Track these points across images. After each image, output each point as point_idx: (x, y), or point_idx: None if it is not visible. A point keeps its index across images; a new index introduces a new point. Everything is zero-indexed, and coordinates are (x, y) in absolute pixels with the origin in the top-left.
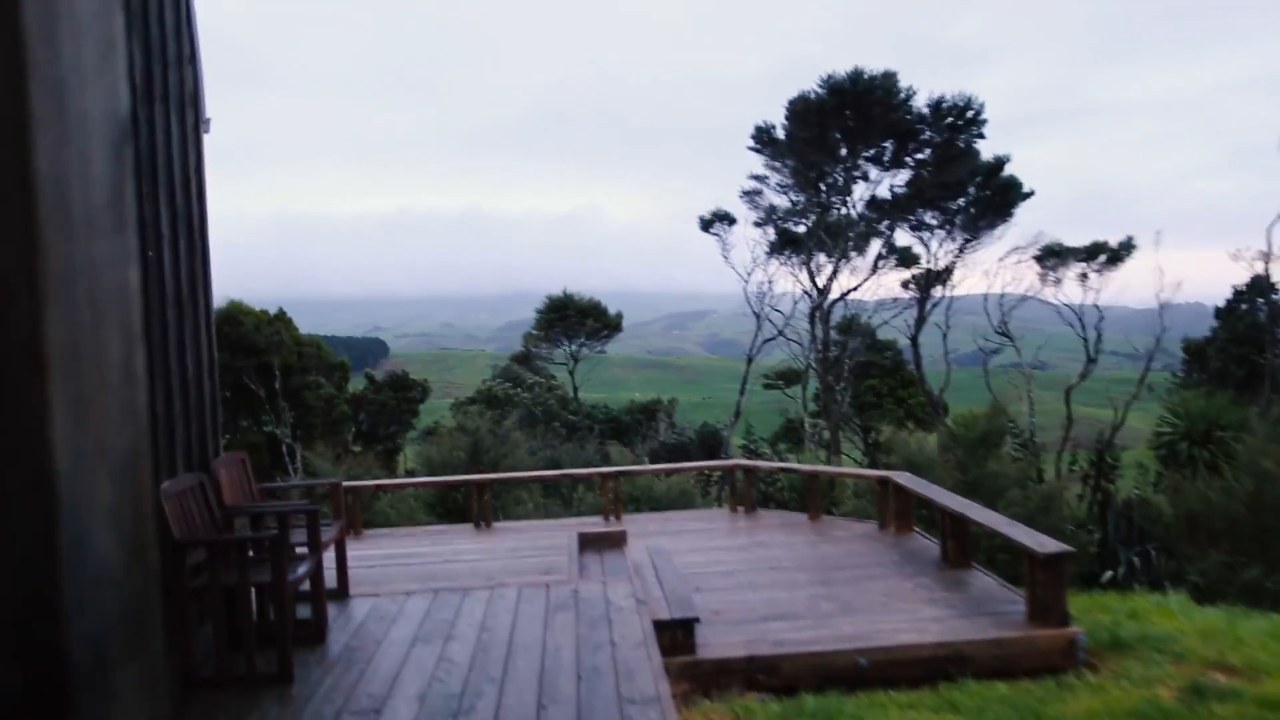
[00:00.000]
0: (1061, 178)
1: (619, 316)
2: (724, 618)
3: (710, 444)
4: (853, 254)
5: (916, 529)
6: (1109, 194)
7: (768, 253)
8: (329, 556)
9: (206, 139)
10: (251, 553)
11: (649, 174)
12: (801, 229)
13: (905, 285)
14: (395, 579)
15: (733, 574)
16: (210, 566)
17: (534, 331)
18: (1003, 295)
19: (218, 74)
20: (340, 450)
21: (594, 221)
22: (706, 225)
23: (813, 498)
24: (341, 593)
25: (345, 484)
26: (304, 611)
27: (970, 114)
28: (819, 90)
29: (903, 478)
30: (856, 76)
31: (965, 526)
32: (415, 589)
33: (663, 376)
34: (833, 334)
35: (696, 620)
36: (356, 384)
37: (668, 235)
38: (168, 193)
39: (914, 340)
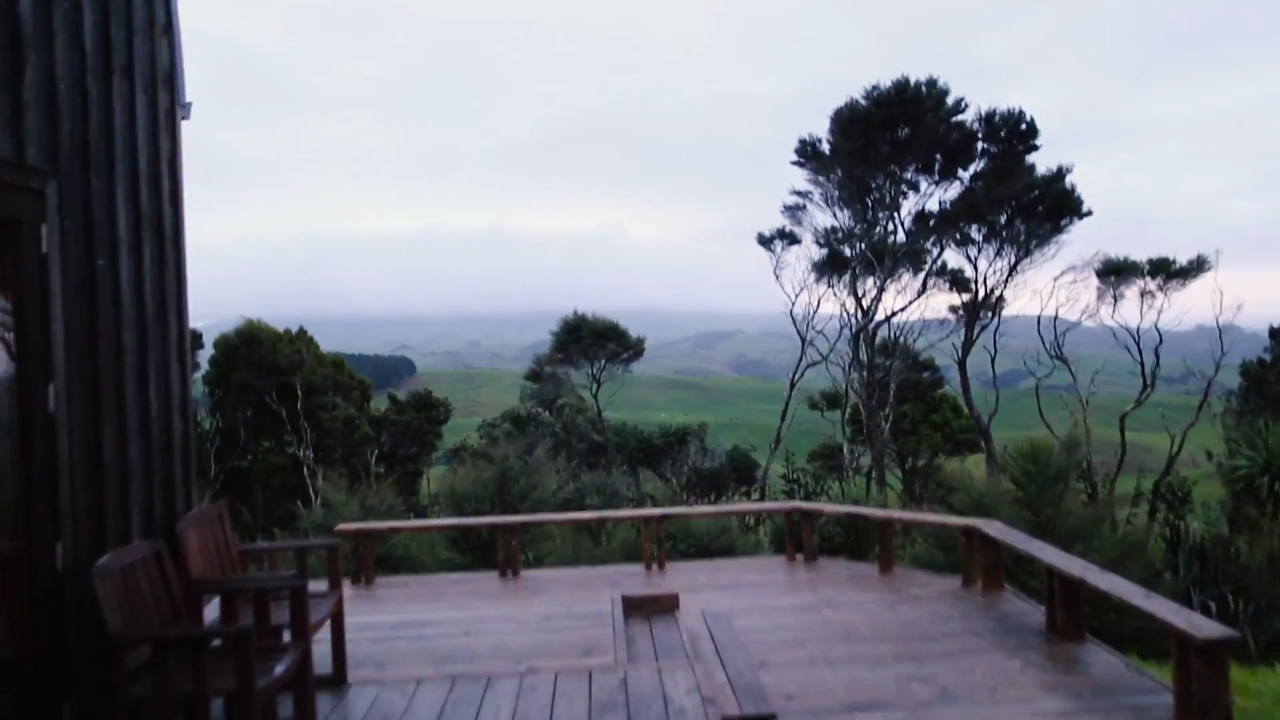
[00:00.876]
0: (1090, 200)
1: (640, 340)
2: (800, 705)
3: (743, 468)
4: (900, 273)
5: (1008, 587)
6: (1141, 216)
7: (813, 273)
8: (323, 634)
9: (191, 131)
10: (219, 642)
11: (672, 194)
12: (845, 247)
13: (953, 307)
14: (405, 657)
15: (802, 643)
16: (157, 669)
17: (548, 353)
18: (1056, 317)
19: (246, 92)
20: (361, 473)
21: (618, 241)
22: (766, 242)
23: (885, 549)
24: (338, 679)
25: (356, 527)
26: (286, 710)
27: (1024, 126)
28: (863, 101)
29: (993, 528)
30: (902, 86)
31: (1079, 592)
32: (429, 674)
33: (690, 397)
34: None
35: (773, 718)
36: (381, 403)
37: (692, 255)
38: (129, 188)
39: (961, 364)
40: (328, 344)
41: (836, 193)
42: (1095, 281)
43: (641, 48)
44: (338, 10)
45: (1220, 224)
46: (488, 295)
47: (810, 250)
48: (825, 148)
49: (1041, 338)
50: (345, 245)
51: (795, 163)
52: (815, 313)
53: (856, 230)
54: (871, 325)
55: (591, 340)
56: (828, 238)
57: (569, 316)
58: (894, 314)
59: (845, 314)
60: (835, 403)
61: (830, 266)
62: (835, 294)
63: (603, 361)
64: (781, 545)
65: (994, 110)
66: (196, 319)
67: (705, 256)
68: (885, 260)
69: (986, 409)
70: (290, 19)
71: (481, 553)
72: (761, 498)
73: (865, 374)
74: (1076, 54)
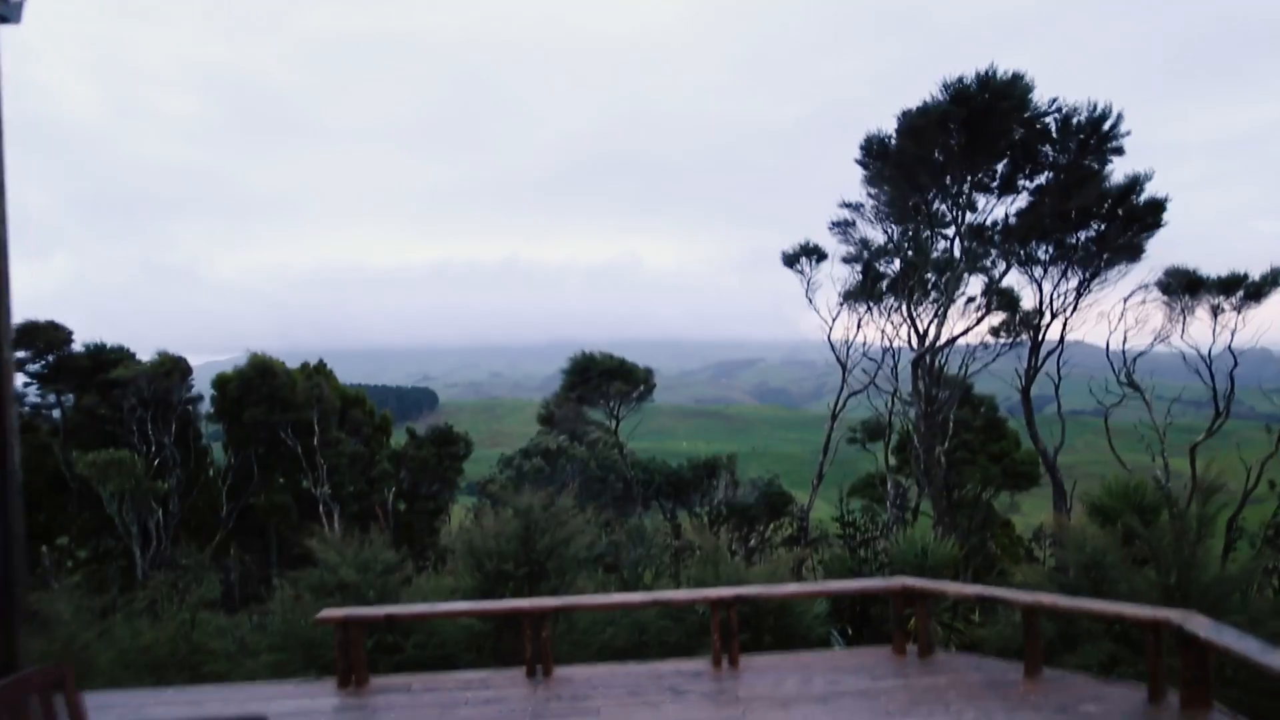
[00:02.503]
0: None
1: (649, 373)
2: None
3: (775, 504)
4: (958, 295)
5: (1219, 707)
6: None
7: (855, 294)
8: None
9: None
10: None
11: (687, 223)
12: (893, 267)
13: (1010, 329)
14: None
15: None
16: None
17: (558, 392)
18: (1125, 341)
19: (260, 126)
20: (378, 513)
21: (633, 270)
22: (791, 260)
23: (1031, 645)
24: None
25: (344, 614)
26: None
27: (1106, 127)
28: (939, 96)
29: (1200, 625)
30: (986, 79)
31: None
32: None
33: (711, 425)
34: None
35: None
36: (402, 437)
37: (709, 283)
38: None
39: (1025, 393)
40: (350, 376)
41: (887, 207)
42: (1162, 298)
43: (654, 77)
44: (349, 44)
45: (1245, 245)
46: (507, 326)
47: (849, 269)
48: (892, 145)
49: (1111, 362)
50: (363, 278)
51: (860, 161)
52: (856, 338)
53: (908, 247)
54: (929, 352)
55: (600, 380)
56: (875, 255)
57: (576, 356)
58: (954, 339)
59: (886, 339)
60: (877, 434)
61: (875, 287)
62: (879, 317)
63: (613, 401)
64: (843, 612)
65: (1073, 109)
66: (219, 352)
67: (722, 285)
68: (946, 281)
69: (1050, 441)
70: (302, 53)
71: (506, 619)
72: (803, 540)
73: (923, 405)
74: (1092, 77)
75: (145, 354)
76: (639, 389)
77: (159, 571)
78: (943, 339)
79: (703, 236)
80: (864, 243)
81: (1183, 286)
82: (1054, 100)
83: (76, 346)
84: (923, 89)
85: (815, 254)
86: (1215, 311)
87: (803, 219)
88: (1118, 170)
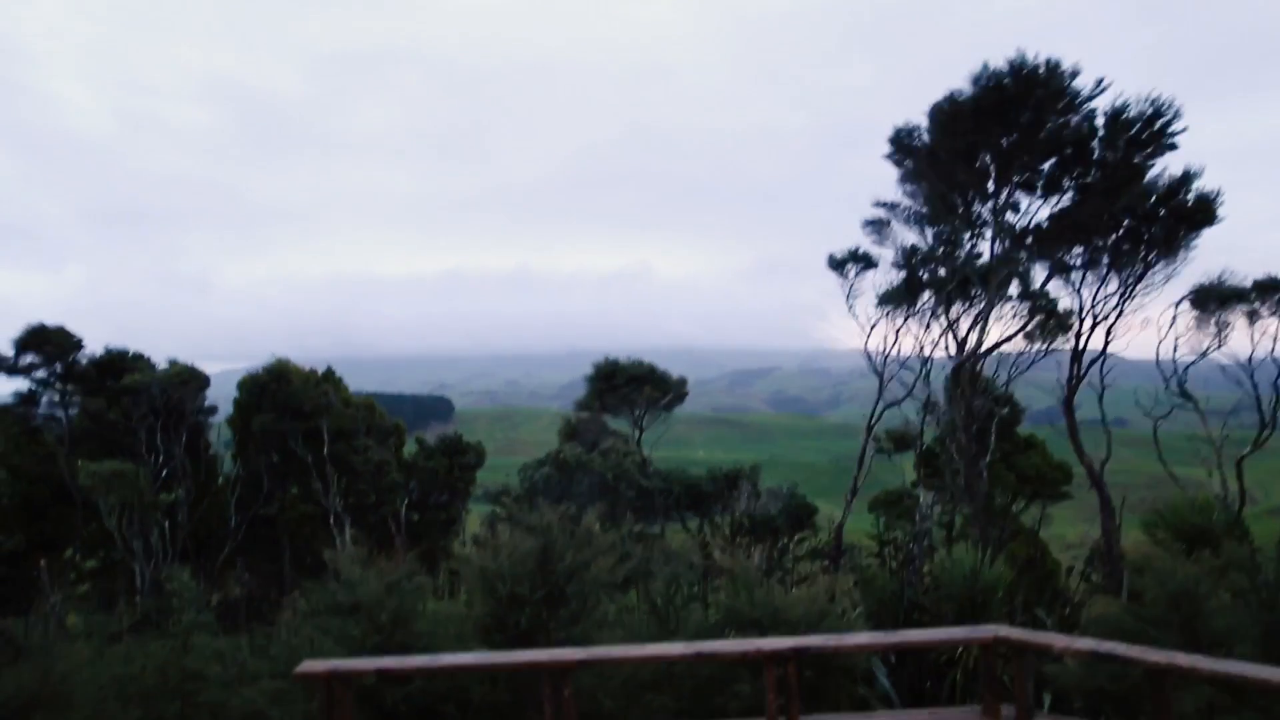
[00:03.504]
0: None
1: (682, 381)
2: None
3: (799, 515)
4: (1000, 301)
5: None
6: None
7: (895, 299)
8: None
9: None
10: None
11: (698, 232)
12: (926, 271)
13: (1046, 335)
14: None
15: None
16: None
17: (583, 399)
18: (1175, 348)
19: (270, 138)
20: (390, 524)
21: (645, 279)
22: (838, 265)
23: (1164, 714)
24: None
25: (327, 668)
26: None
27: (1160, 123)
28: (970, 89)
29: None
30: (1018, 67)
31: None
32: None
33: (728, 434)
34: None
35: None
36: (412, 448)
37: (721, 292)
38: None
39: (1067, 404)
40: (365, 384)
41: (923, 206)
42: (1192, 312)
43: (662, 85)
44: (357, 55)
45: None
46: (520, 335)
47: (888, 274)
48: (923, 140)
49: (1161, 371)
50: (374, 287)
51: (890, 156)
52: (893, 346)
53: (941, 251)
54: (970, 360)
55: (629, 387)
56: (908, 259)
57: (601, 362)
58: (997, 345)
59: (920, 346)
60: (902, 444)
61: (912, 293)
62: (916, 324)
63: (643, 407)
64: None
65: (1124, 104)
66: (233, 360)
67: (735, 294)
68: (989, 286)
69: (1092, 453)
70: (310, 65)
71: (521, 648)
72: (836, 558)
73: (965, 416)
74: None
75: (160, 362)
76: (667, 396)
77: (159, 588)
78: (983, 346)
79: (713, 245)
80: (900, 245)
81: (1215, 300)
82: (1099, 83)
83: (93, 351)
84: (935, 94)
85: (864, 261)
86: (1252, 318)
87: (814, 227)
88: (1154, 166)
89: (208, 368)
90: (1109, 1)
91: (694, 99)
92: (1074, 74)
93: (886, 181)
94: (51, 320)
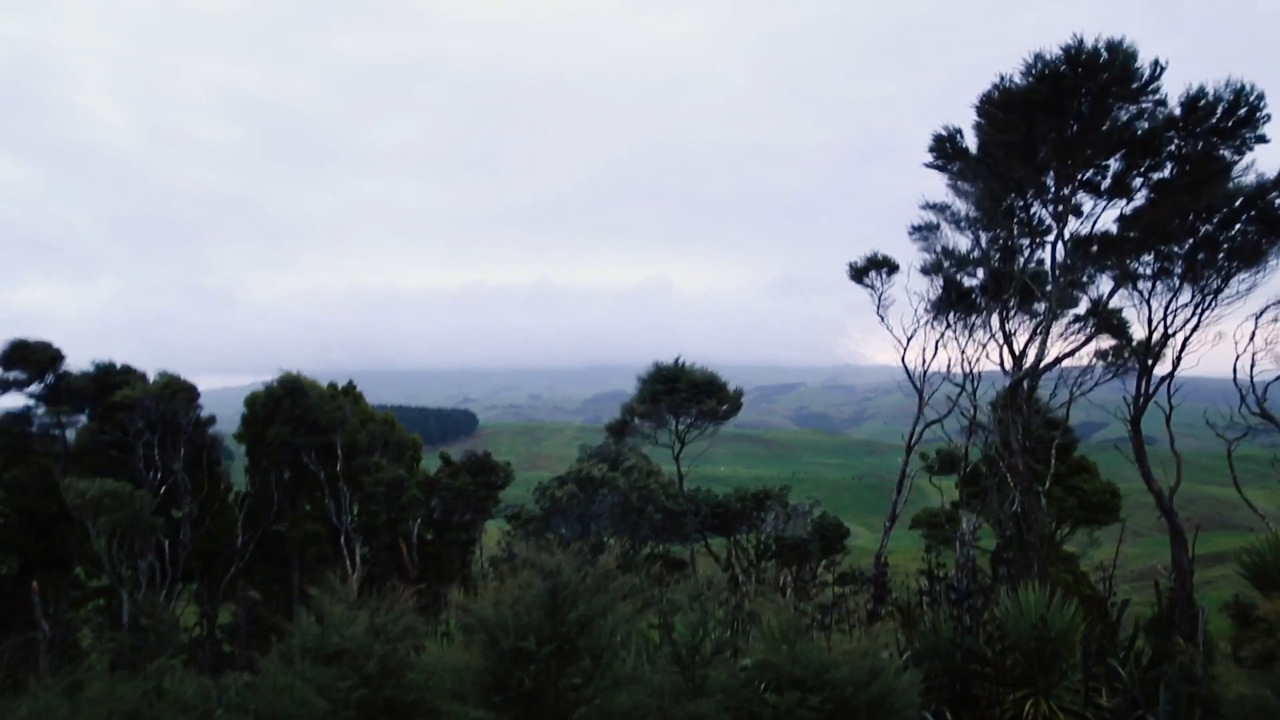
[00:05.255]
0: None
1: (739, 394)
2: None
3: (829, 537)
4: (1064, 313)
5: None
6: None
7: (939, 309)
8: None
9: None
10: None
11: (717, 247)
12: (977, 279)
13: (1118, 353)
14: None
15: None
16: None
17: (637, 404)
18: (1254, 364)
19: (294, 152)
20: (403, 545)
21: (665, 294)
22: (859, 274)
23: None
24: None
25: None
26: None
27: (1244, 110)
28: (1023, 78)
29: None
30: (1076, 51)
31: None
32: None
33: (752, 450)
34: (993, 413)
35: None
36: (434, 462)
37: (742, 308)
38: None
39: (1135, 424)
40: (390, 398)
41: (976, 207)
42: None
43: (682, 100)
44: (379, 70)
45: None
46: (543, 349)
47: (929, 282)
48: (970, 143)
49: (1239, 389)
50: (396, 301)
51: (931, 165)
52: (933, 360)
53: (996, 258)
54: (1029, 376)
55: (689, 394)
56: (959, 265)
57: (664, 364)
58: (1059, 360)
59: (968, 362)
60: (950, 464)
61: (963, 302)
62: (962, 336)
63: (691, 418)
64: (938, 689)
65: (1201, 90)
66: (256, 374)
67: (756, 309)
68: (1051, 296)
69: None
70: (334, 80)
71: (526, 710)
72: (881, 598)
73: (1022, 437)
74: None
75: (193, 376)
76: (725, 409)
77: (136, 620)
78: (1043, 362)
79: (733, 260)
80: (946, 251)
81: None
82: (1157, 65)
83: (86, 367)
84: (960, 112)
85: (886, 266)
86: None
87: (836, 242)
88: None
89: (232, 381)
90: (1132, 14)
91: (714, 114)
92: (1135, 55)
93: (913, 195)
94: (85, 334)
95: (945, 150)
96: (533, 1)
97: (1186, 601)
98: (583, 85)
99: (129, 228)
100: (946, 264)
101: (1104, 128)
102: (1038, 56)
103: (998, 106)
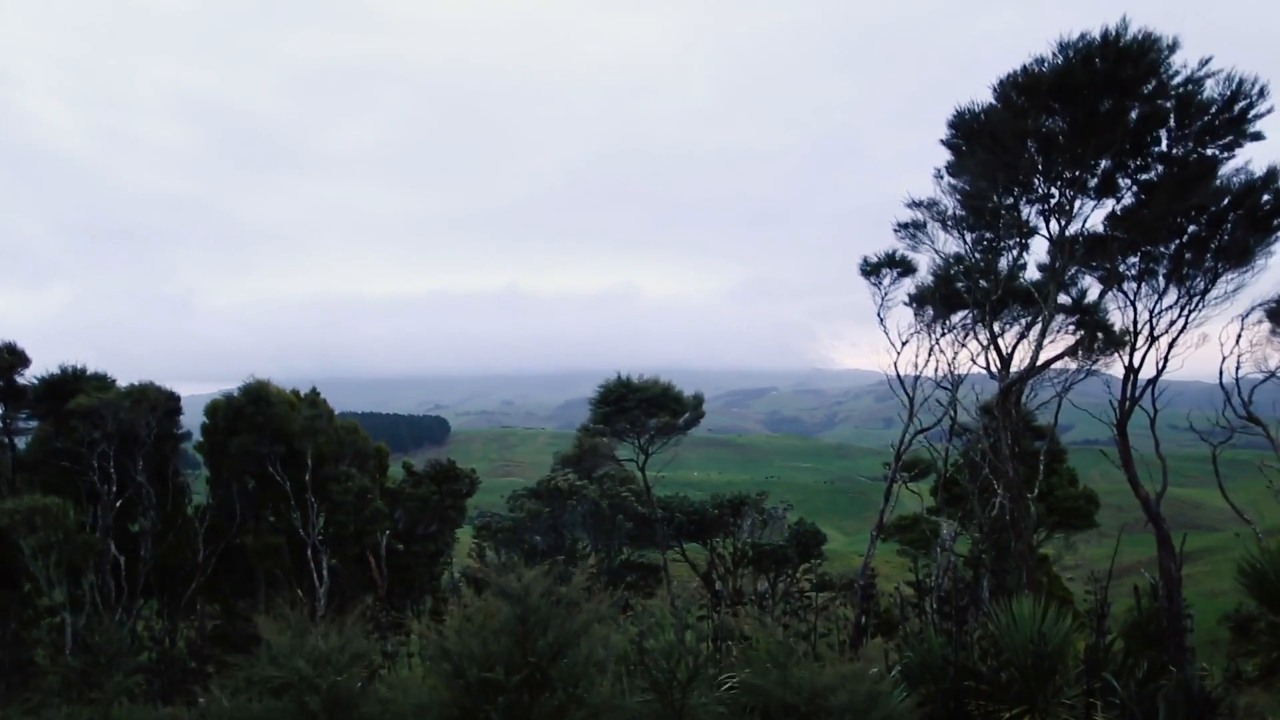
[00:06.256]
0: None
1: (698, 401)
2: None
3: (806, 544)
4: (1053, 316)
5: None
6: None
7: (923, 303)
8: None
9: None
10: None
11: (684, 253)
12: (963, 281)
13: (1092, 354)
14: None
15: None
16: None
17: (591, 426)
18: (1239, 366)
19: (252, 157)
20: (370, 558)
21: (632, 299)
22: (872, 270)
23: None
24: None
25: None
26: None
27: (1242, 105)
28: (1053, 57)
29: None
30: (1111, 40)
31: None
32: None
33: (725, 455)
34: (975, 419)
35: None
36: (400, 471)
37: (710, 313)
38: None
39: (1120, 427)
40: (360, 405)
41: (969, 205)
42: (1268, 325)
43: (648, 105)
44: (339, 73)
45: None
46: (514, 355)
47: (921, 283)
48: (986, 124)
49: (1225, 391)
50: (360, 307)
51: (948, 142)
52: (925, 365)
53: (982, 259)
54: (1019, 382)
55: (640, 410)
56: (962, 269)
57: (610, 382)
58: (1049, 363)
59: (951, 367)
60: (924, 472)
61: (948, 304)
62: (950, 341)
63: (651, 433)
64: (934, 712)
65: (1199, 78)
66: (219, 381)
67: (726, 314)
68: (1045, 298)
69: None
70: (292, 82)
71: None
72: (866, 610)
73: (1011, 444)
74: None
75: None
76: (683, 418)
77: (84, 644)
78: (1030, 365)
79: (700, 266)
80: (940, 250)
81: None
82: (1204, 63)
83: (40, 371)
84: (924, 118)
85: (900, 267)
86: None
87: (804, 248)
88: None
89: (194, 388)
90: (1100, 16)
91: (680, 119)
92: (1173, 48)
93: (878, 202)
94: (34, 341)
95: (965, 128)
96: (495, 4)
97: (1176, 611)
98: (548, 89)
99: (81, 232)
100: (938, 264)
101: (1111, 125)
102: (1069, 43)
103: (1021, 90)
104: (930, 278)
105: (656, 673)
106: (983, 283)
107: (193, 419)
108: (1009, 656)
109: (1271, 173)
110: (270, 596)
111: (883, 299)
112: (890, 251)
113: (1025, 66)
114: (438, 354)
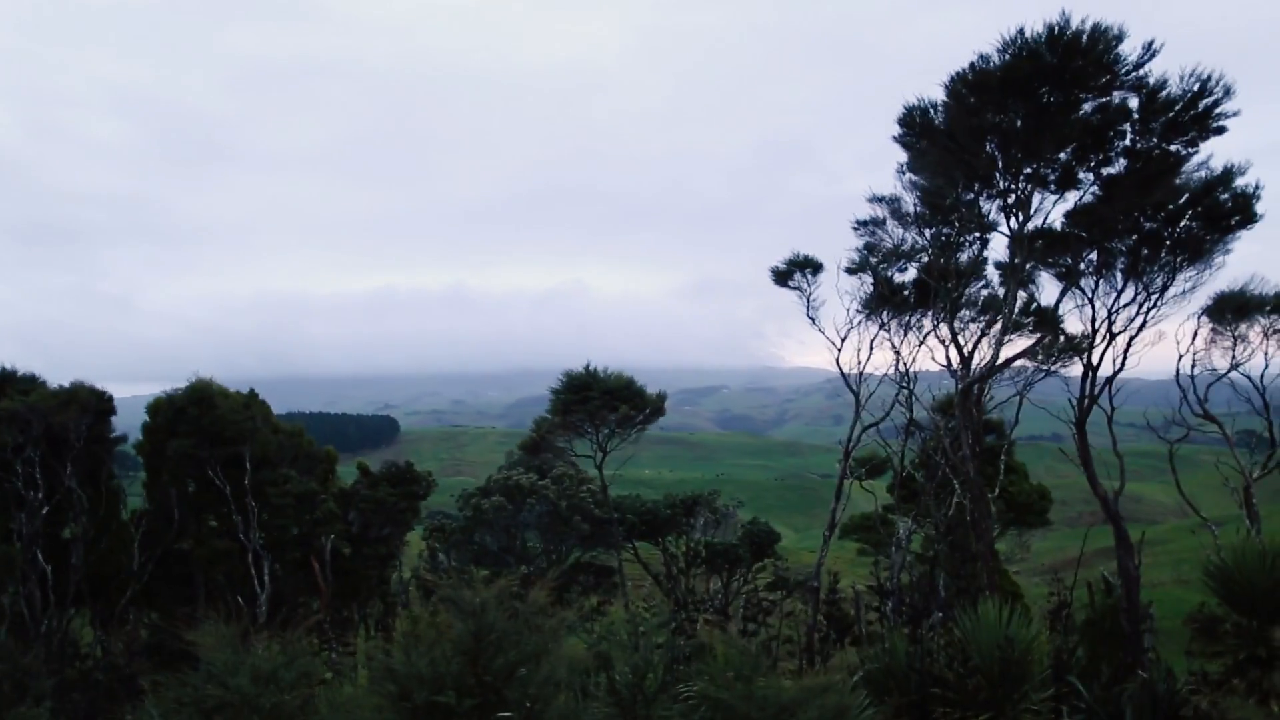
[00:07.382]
0: None
1: (661, 397)
2: None
3: (761, 544)
4: (1012, 312)
5: None
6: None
7: (872, 308)
8: None
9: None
10: None
11: (632, 252)
12: (906, 276)
13: (1052, 352)
14: None
15: None
16: None
17: (548, 416)
18: (1195, 364)
19: (193, 154)
20: (316, 563)
21: (581, 298)
22: (783, 277)
23: None
24: None
25: None
26: None
27: (1207, 102)
28: (998, 55)
29: None
30: (1057, 33)
31: None
32: None
33: (676, 453)
34: (931, 417)
35: None
36: (352, 472)
37: (659, 311)
38: None
39: (1080, 426)
40: (307, 404)
41: (928, 200)
42: (1209, 325)
43: (597, 105)
44: (281, 69)
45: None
46: (463, 354)
47: (863, 278)
48: (939, 119)
49: (1181, 388)
50: (304, 306)
51: (900, 138)
52: (868, 362)
53: (939, 254)
54: (980, 380)
55: (602, 402)
56: (905, 260)
57: (574, 372)
58: (1010, 361)
59: (904, 363)
60: (878, 470)
61: (900, 302)
62: (902, 338)
63: (611, 427)
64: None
65: (1163, 79)
66: (160, 382)
67: (675, 313)
68: (1005, 294)
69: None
70: (232, 78)
71: None
72: (825, 618)
73: (973, 442)
74: None
75: (117, 383)
76: (644, 413)
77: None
78: (990, 364)
79: (649, 264)
80: (893, 247)
81: (1232, 311)
82: (1149, 47)
83: None
84: (874, 119)
85: (810, 266)
86: (1267, 334)
87: (754, 247)
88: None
89: (135, 389)
90: (1050, 11)
91: (632, 119)
92: (1119, 38)
93: (827, 201)
94: None
95: (915, 124)
96: (445, 3)
97: (1136, 611)
98: (495, 88)
99: (12, 230)
100: (877, 261)
101: (1066, 118)
102: (1018, 34)
103: (971, 87)
104: (868, 274)
105: (621, 688)
106: (939, 277)
107: (136, 419)
108: (976, 662)
109: (1228, 171)
110: (214, 603)
111: (808, 299)
112: (795, 254)
113: (973, 63)
114: (386, 353)
